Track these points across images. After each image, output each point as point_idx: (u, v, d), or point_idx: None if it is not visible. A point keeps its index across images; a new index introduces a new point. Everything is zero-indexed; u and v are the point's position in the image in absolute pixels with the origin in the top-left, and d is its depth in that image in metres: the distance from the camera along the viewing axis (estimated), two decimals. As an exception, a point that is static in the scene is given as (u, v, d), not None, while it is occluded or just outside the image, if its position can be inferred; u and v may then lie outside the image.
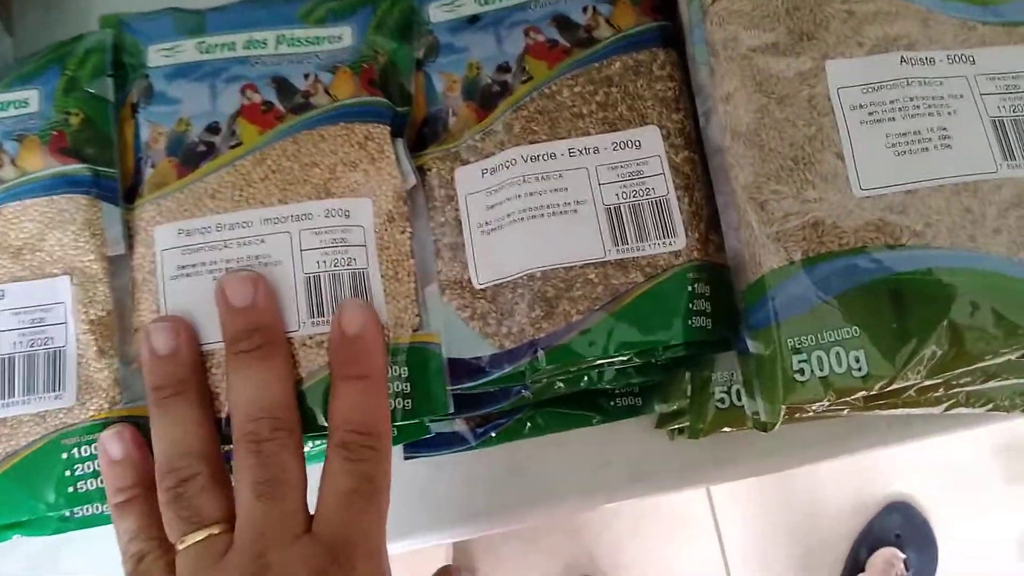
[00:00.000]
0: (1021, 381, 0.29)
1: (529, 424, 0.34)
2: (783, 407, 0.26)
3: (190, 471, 0.25)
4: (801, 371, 0.26)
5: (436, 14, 0.33)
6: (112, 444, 0.27)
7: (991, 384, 0.29)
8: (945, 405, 0.31)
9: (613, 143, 0.30)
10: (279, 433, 0.25)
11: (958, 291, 0.26)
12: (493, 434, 0.34)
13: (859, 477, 1.02)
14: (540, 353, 0.28)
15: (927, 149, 0.27)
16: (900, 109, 0.27)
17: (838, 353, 0.26)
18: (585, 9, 0.32)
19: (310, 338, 0.28)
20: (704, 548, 1.02)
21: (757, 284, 0.27)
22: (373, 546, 0.25)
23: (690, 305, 0.28)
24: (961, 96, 0.28)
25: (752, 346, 0.27)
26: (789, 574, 1.01)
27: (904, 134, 0.27)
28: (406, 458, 0.35)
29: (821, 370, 0.26)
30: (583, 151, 0.30)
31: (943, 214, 0.27)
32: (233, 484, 0.26)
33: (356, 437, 0.26)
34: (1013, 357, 0.27)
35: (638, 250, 0.29)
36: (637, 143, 0.30)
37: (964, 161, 0.27)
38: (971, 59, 0.28)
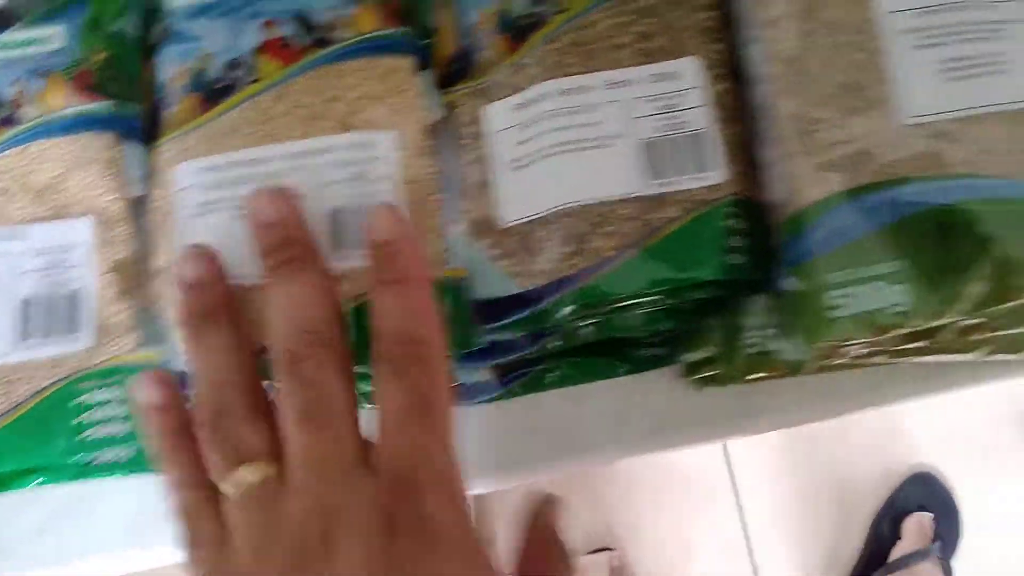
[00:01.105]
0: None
1: (553, 374, 0.33)
2: (818, 344, 0.25)
3: (226, 402, 0.23)
4: (840, 306, 0.25)
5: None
6: (151, 389, 0.25)
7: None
8: (986, 350, 0.30)
9: (651, 75, 0.29)
10: (317, 350, 0.23)
11: (1010, 222, 0.25)
12: (515, 386, 0.33)
13: (882, 448, 1.00)
14: (569, 291, 0.27)
15: (983, 75, 0.26)
16: (955, 33, 0.26)
17: (879, 288, 0.25)
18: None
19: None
20: (724, 519, 1.01)
21: (797, 216, 0.26)
22: (441, 473, 0.22)
23: (727, 242, 0.27)
24: (1020, 21, 0.26)
25: (788, 283, 0.26)
26: (810, 545, 1.01)
27: (959, 59, 0.26)
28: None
29: (861, 306, 0.25)
30: (620, 83, 0.29)
31: (997, 141, 0.25)
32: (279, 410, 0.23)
33: (398, 348, 0.23)
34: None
35: (675, 184, 0.27)
36: (676, 75, 0.28)
37: (1022, 88, 0.26)
38: (1028, -18, 0.26)
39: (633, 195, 0.27)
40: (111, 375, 0.30)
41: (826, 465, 1.02)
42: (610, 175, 0.28)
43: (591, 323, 0.29)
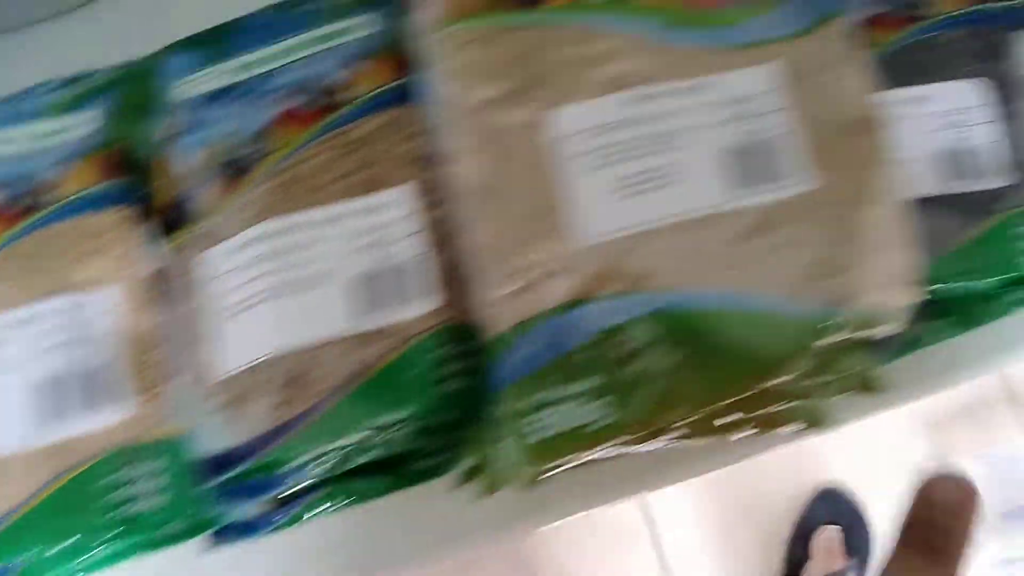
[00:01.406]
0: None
1: (332, 499, 0.33)
2: (530, 469, 0.26)
3: None
4: (537, 431, 0.25)
5: (180, 91, 0.32)
6: None
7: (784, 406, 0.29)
8: (746, 429, 0.31)
9: (364, 208, 0.29)
10: None
11: (687, 331, 0.26)
12: (298, 510, 0.33)
13: (793, 468, 1.02)
14: (286, 439, 0.27)
15: (655, 189, 0.27)
16: (627, 150, 0.27)
17: (577, 407, 0.26)
18: (332, 71, 0.31)
19: None
20: (644, 555, 1.01)
21: (493, 343, 0.26)
22: None
23: (440, 371, 0.27)
24: (692, 128, 0.27)
25: (494, 408, 0.27)
26: (732, 573, 1.01)
27: (631, 176, 0.27)
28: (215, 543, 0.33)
29: (561, 426, 0.25)
30: (333, 219, 0.29)
31: (671, 253, 0.26)
32: None
33: None
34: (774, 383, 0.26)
35: (387, 318, 0.28)
36: (388, 205, 0.29)
37: (693, 196, 0.26)
38: (704, 87, 0.28)
39: (345, 334, 0.27)
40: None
41: (740, 491, 1.03)
42: (322, 316, 0.28)
43: (330, 463, 0.29)
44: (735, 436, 0.30)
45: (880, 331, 0.28)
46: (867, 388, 0.29)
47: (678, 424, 0.27)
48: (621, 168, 0.27)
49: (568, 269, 0.26)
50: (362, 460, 0.30)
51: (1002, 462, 1.06)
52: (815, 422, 0.31)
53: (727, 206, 0.27)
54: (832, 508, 0.98)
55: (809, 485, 1.02)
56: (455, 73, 0.27)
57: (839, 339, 0.26)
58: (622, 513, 1.02)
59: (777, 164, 0.27)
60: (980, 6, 0.35)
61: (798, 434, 0.33)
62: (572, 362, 0.26)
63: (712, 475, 0.36)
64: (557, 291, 0.26)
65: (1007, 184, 0.32)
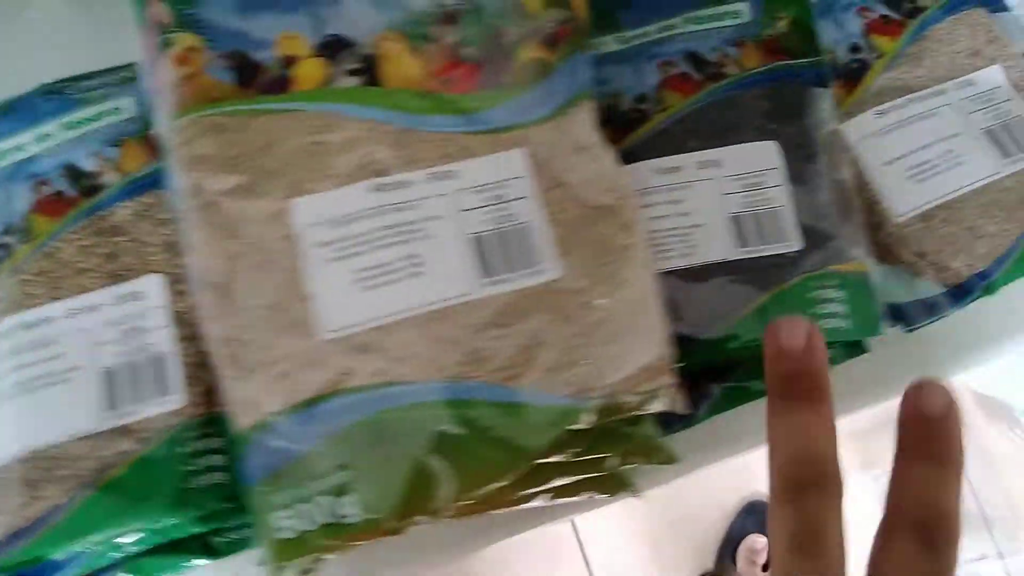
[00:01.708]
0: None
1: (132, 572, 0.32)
2: (281, 563, 0.25)
3: None
4: (286, 527, 0.25)
5: None
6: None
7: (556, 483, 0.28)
8: (547, 498, 0.30)
9: (115, 297, 0.28)
10: (821, 482, 0.23)
11: (437, 423, 0.25)
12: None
13: (719, 481, 1.02)
14: (39, 535, 0.26)
15: (400, 279, 0.26)
16: (369, 241, 0.26)
17: (326, 502, 0.25)
18: (89, 157, 0.30)
19: None
20: (574, 572, 1.01)
21: (236, 440, 0.26)
22: None
23: (192, 466, 0.27)
24: (437, 217, 0.27)
25: (247, 503, 0.26)
26: (660, 586, 1.02)
27: (372, 267, 0.26)
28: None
29: (310, 522, 0.25)
30: (84, 309, 0.28)
31: (412, 346, 0.26)
32: (768, 534, 0.23)
33: (938, 523, 0.23)
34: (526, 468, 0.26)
35: (134, 415, 0.27)
36: (140, 294, 0.28)
37: (437, 287, 0.26)
38: (450, 175, 0.27)
39: (89, 432, 0.27)
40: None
41: (669, 506, 1.03)
42: (67, 413, 0.27)
43: (103, 552, 0.28)
44: (536, 503, 0.30)
45: (651, 408, 0.28)
46: (656, 458, 0.29)
47: (445, 510, 0.27)
48: (365, 259, 0.26)
49: (311, 364, 0.25)
50: (137, 548, 0.29)
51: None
52: (616, 489, 0.31)
53: (472, 296, 0.26)
54: (758, 519, 0.99)
55: (736, 498, 1.02)
56: (191, 163, 0.26)
57: (600, 422, 0.26)
58: (552, 530, 1.02)
59: (522, 253, 0.27)
60: (779, 63, 0.35)
61: (604, 500, 0.33)
62: (315, 459, 0.25)
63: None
64: (299, 387, 0.25)
65: (798, 249, 0.32)
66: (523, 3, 0.27)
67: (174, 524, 0.28)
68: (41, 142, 0.30)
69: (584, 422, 0.26)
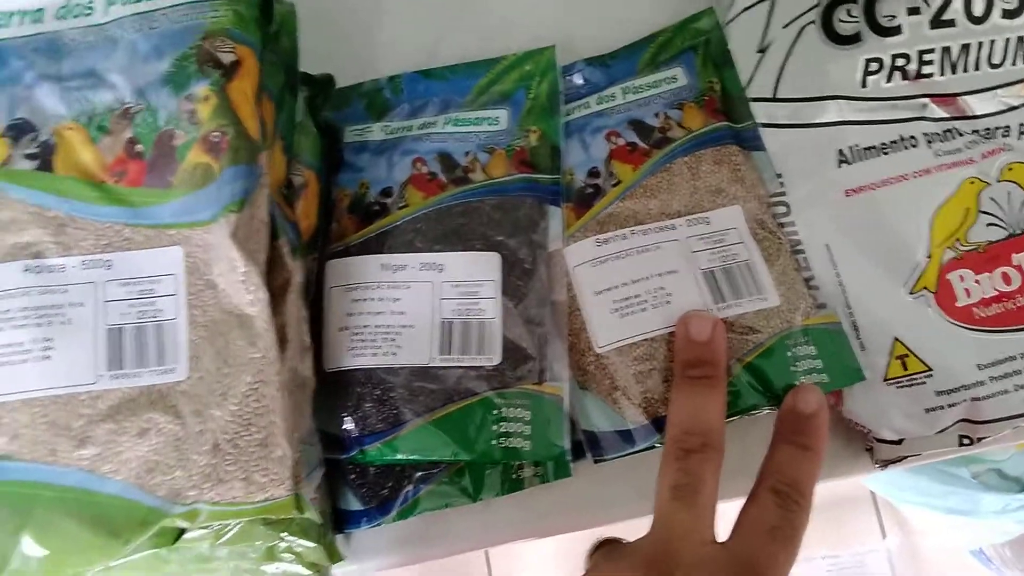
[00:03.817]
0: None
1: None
2: None
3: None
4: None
5: None
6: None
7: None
8: None
9: None
10: (706, 450, 0.29)
11: (37, 503, 0.27)
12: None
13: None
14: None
15: (25, 361, 0.27)
16: (8, 319, 0.28)
17: None
18: None
19: None
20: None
21: None
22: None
23: None
24: (82, 304, 0.28)
25: None
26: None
27: (6, 345, 0.28)
28: None
29: None
30: None
31: (28, 428, 0.27)
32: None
33: (790, 490, 0.28)
34: (114, 564, 0.27)
35: None
36: None
37: (62, 373, 0.27)
38: (108, 263, 0.28)
39: None
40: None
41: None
42: None
43: None
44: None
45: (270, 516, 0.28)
46: (313, 567, 0.30)
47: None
48: (1, 336, 0.28)
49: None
50: None
51: (852, 563, 1.05)
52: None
53: (94, 387, 0.27)
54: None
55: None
56: None
57: (197, 525, 0.27)
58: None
59: (153, 351, 0.28)
60: (519, 176, 0.35)
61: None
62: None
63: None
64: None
65: (496, 364, 0.33)
66: (196, 110, 0.28)
67: None
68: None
69: (177, 523, 0.27)
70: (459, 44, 0.40)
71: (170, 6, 0.29)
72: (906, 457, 0.34)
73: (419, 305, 0.34)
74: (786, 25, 0.36)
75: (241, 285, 0.28)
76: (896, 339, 0.34)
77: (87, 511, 0.27)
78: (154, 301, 0.28)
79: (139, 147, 0.29)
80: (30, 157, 0.29)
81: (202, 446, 0.27)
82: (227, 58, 0.29)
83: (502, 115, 0.36)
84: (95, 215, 0.29)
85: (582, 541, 1.00)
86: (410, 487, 0.33)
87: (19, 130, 0.29)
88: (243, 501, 0.27)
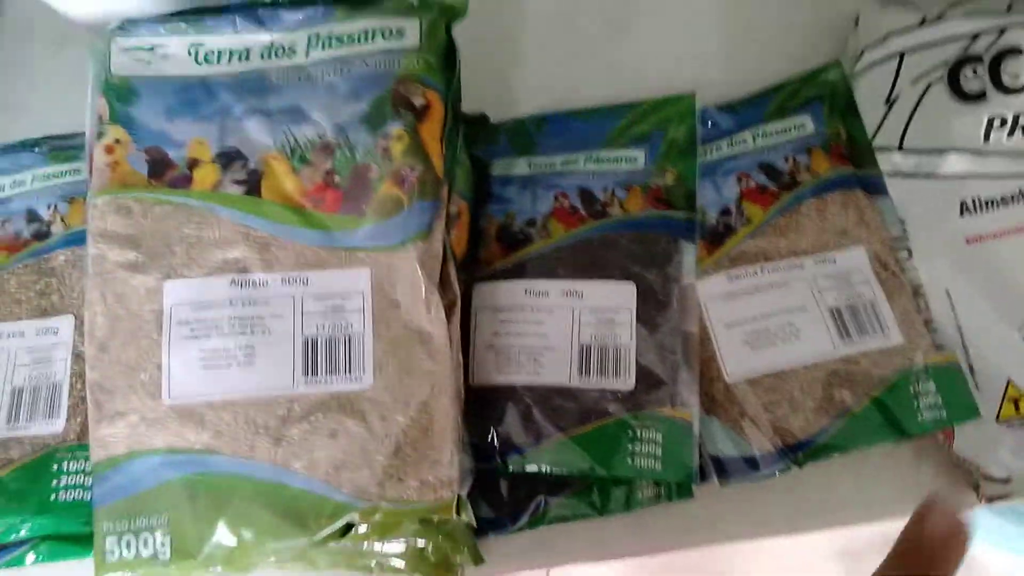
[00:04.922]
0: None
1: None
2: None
3: None
4: (112, 552, 0.30)
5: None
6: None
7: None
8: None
9: (38, 328, 0.35)
10: None
11: (235, 495, 0.30)
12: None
13: None
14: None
15: (237, 365, 0.31)
16: (220, 327, 0.31)
17: (147, 538, 0.30)
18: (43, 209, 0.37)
19: None
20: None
21: (92, 470, 0.31)
22: None
23: (59, 482, 0.33)
24: (282, 316, 0.31)
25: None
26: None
27: (218, 350, 0.31)
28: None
29: (130, 552, 0.30)
30: (11, 335, 0.35)
31: (231, 425, 0.31)
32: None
33: None
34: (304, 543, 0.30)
35: (29, 429, 0.33)
36: (56, 330, 0.34)
37: (265, 377, 0.31)
38: (305, 281, 0.32)
39: (-15, 437, 0.33)
40: None
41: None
42: None
43: None
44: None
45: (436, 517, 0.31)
46: (447, 568, 0.33)
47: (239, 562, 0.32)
48: (211, 342, 0.31)
49: (154, 422, 0.31)
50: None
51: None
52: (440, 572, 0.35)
53: (290, 391, 0.31)
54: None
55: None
56: (99, 235, 0.32)
57: (373, 521, 0.30)
58: None
59: (344, 359, 0.31)
60: (656, 212, 0.38)
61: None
62: (144, 501, 0.31)
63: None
64: (142, 439, 0.31)
65: (630, 389, 0.35)
66: (389, 147, 0.32)
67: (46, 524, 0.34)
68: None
69: (358, 519, 0.30)
70: (594, 87, 0.43)
71: (367, 53, 0.33)
72: (1012, 494, 0.36)
73: (560, 328, 0.36)
74: (914, 81, 0.38)
75: (422, 305, 0.31)
76: (1010, 381, 0.36)
77: (280, 504, 0.30)
78: (344, 316, 0.31)
79: (337, 178, 0.32)
80: (238, 183, 0.32)
81: (386, 448, 0.30)
82: (418, 102, 0.32)
83: (639, 155, 0.39)
84: (295, 237, 0.32)
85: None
86: (541, 498, 0.36)
87: (229, 157, 0.33)
88: (415, 500, 0.30)
